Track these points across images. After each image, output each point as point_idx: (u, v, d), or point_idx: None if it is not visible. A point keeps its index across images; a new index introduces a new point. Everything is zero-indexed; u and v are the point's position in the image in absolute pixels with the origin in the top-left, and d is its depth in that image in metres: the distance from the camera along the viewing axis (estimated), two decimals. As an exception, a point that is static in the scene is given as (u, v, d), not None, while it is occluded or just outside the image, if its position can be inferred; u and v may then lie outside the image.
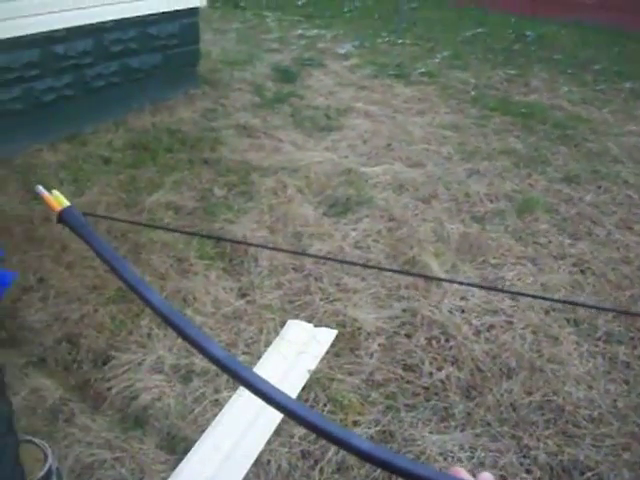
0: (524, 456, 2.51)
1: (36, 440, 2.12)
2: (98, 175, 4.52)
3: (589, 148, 5.48)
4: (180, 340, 2.96)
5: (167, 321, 0.81)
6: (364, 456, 0.70)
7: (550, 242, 3.98)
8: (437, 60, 8.15)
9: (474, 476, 0.67)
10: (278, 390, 0.73)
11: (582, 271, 3.71)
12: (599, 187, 4.77)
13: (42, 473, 2.00)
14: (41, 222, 3.82)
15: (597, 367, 2.99)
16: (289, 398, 0.73)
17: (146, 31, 5.58)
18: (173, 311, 0.81)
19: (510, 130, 5.82)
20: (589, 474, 2.45)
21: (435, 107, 6.35)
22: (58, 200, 0.93)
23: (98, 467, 2.39)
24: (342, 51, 8.30)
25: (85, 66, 5.12)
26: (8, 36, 4.47)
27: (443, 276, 3.55)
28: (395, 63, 7.79)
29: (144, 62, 5.65)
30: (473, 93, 6.84)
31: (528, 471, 2.45)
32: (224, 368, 0.76)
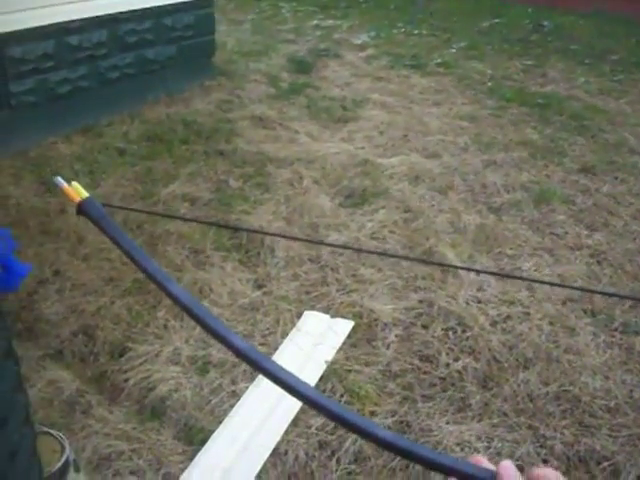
0: (541, 446, 2.50)
1: (53, 432, 2.13)
2: (113, 167, 4.54)
3: (606, 139, 5.43)
4: (197, 331, 2.98)
5: (187, 311, 0.81)
6: (385, 445, 0.69)
7: (567, 233, 3.96)
8: (453, 51, 8.10)
9: (495, 465, 0.66)
10: (299, 380, 0.73)
11: (599, 262, 3.69)
12: (616, 178, 4.73)
13: (59, 464, 2.01)
14: (57, 214, 3.84)
15: (613, 358, 2.97)
16: (310, 387, 0.73)
17: (161, 22, 5.59)
18: (193, 301, 0.81)
19: (527, 121, 5.78)
20: (605, 464, 2.44)
21: (451, 98, 6.32)
22: (77, 191, 0.92)
23: (116, 458, 2.40)
24: (358, 42, 8.27)
25: (100, 57, 5.13)
26: (24, 27, 4.49)
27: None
28: (411, 54, 7.76)
29: (159, 53, 5.66)
30: (490, 84, 6.80)
31: (545, 461, 2.44)
32: (245, 358, 0.76)
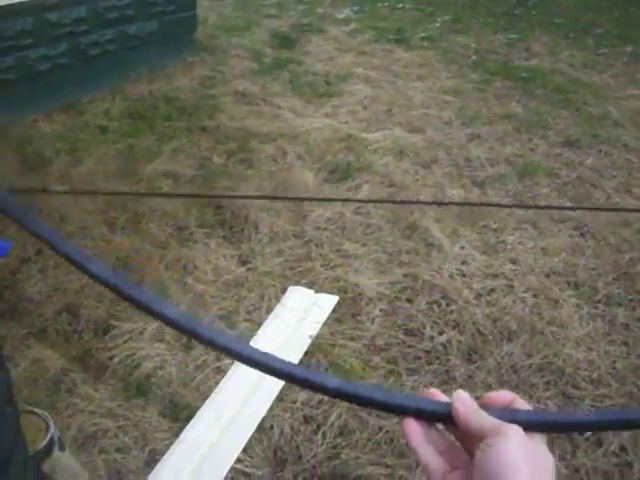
0: (525, 418, 2.52)
1: (37, 410, 2.12)
2: (95, 145, 4.49)
3: (590, 112, 5.42)
4: (181, 308, 2.97)
5: (109, 287, 0.77)
6: (335, 394, 0.67)
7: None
8: (437, 24, 8.04)
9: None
10: (234, 340, 0.71)
11: (582, 234, 3.70)
12: (599, 151, 4.73)
13: (44, 443, 2.00)
14: (38, 193, 3.80)
15: (597, 329, 3.00)
16: (246, 345, 0.71)
17: (142, -3, 5.51)
18: (114, 275, 0.78)
19: (511, 94, 5.76)
20: (589, 434, 2.47)
21: (435, 72, 6.28)
22: None
23: (101, 436, 2.41)
24: (341, 16, 8.19)
25: (80, 34, 5.05)
26: (1, 4, 4.41)
27: (445, 242, 3.53)
28: (395, 28, 7.69)
29: (140, 29, 5.58)
30: (474, 57, 6.76)
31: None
32: (177, 327, 0.74)
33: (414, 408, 0.65)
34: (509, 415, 0.62)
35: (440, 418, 0.64)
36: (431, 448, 0.63)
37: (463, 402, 0.63)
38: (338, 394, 0.67)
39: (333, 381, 0.67)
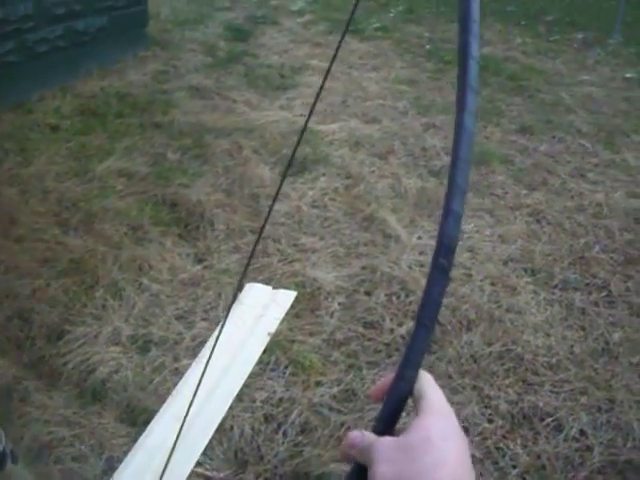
0: (485, 406, 2.53)
1: (-15, 424, 2.06)
2: (46, 144, 4.38)
3: (542, 99, 5.48)
4: (136, 310, 2.93)
5: None
6: None
7: (506, 193, 3.99)
8: (391, 15, 8.05)
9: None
10: None
11: (538, 220, 3.73)
12: (553, 137, 4.78)
13: (-6, 458, 1.94)
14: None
15: (554, 315, 3.02)
16: None
17: (90, -8, 5.39)
18: None
19: (466, 82, 5.77)
20: (548, 420, 2.49)
21: (390, 62, 6.28)
22: None
23: (56, 445, 2.34)
24: (295, 8, 8.14)
25: (27, 30, 4.92)
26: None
27: (402, 233, 3.53)
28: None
29: (90, 24, 5.46)
30: (428, 47, 6.78)
31: (490, 421, 2.47)
32: None
33: None
34: (386, 414, 0.60)
35: (361, 474, 0.61)
36: None
37: (352, 446, 0.59)
38: None
39: None
